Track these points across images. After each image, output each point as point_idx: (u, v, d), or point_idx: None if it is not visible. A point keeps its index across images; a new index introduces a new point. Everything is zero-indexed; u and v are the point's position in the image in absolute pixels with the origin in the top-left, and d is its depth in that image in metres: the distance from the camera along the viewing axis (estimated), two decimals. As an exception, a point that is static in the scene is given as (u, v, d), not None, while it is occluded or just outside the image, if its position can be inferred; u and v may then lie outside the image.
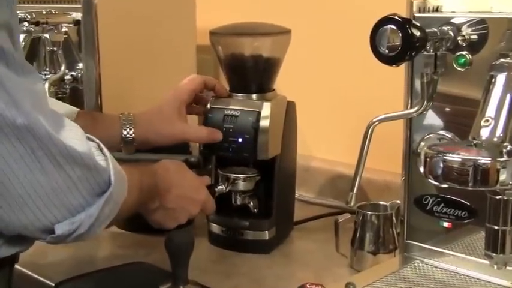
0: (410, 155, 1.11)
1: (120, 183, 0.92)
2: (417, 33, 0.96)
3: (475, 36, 1.01)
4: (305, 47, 1.54)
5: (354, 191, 1.07)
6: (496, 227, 0.94)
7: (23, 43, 1.50)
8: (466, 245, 1.08)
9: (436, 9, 1.07)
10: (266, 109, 1.26)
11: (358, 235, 1.20)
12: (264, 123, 1.25)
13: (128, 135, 1.23)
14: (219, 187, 1.26)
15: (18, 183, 0.83)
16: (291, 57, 1.33)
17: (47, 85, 1.47)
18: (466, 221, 1.07)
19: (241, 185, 1.27)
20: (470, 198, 1.05)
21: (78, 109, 1.26)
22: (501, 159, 0.87)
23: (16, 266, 0.98)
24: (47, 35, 1.51)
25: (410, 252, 1.14)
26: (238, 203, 1.29)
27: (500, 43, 0.99)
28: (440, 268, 1.10)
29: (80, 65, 1.50)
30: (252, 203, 1.29)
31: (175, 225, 1.13)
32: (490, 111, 0.92)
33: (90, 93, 1.48)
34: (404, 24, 0.96)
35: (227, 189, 1.27)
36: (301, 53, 1.52)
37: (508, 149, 0.89)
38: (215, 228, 1.32)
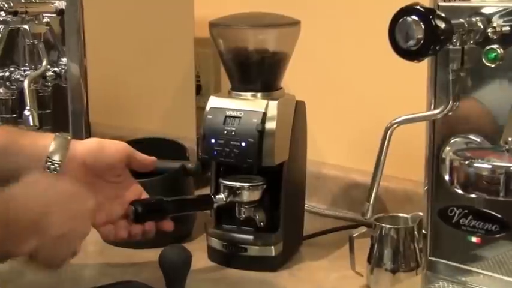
0: (434, 161, 1.11)
1: None
2: (442, 24, 0.96)
3: (508, 28, 1.01)
4: (316, 40, 1.54)
5: (371, 202, 1.07)
6: (530, 243, 0.94)
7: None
8: (497, 263, 1.08)
9: (463, -2, 1.07)
10: (272, 109, 1.26)
11: (375, 251, 1.20)
12: (270, 125, 1.25)
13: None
14: (218, 197, 1.26)
15: None
16: (300, 51, 1.34)
17: (26, 82, 1.47)
18: (497, 236, 1.06)
19: (246, 195, 1.27)
20: (502, 210, 1.05)
21: None
22: (536, 166, 0.87)
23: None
24: (26, 26, 1.51)
25: (434, 270, 1.14)
26: (243, 215, 1.29)
27: (535, 36, 1.00)
28: (468, 288, 1.10)
29: (64, 60, 1.51)
30: (258, 216, 1.29)
31: (71, 256, 1.02)
32: (525, 112, 0.92)
33: (75, 91, 1.48)
34: (427, 14, 0.96)
35: (228, 200, 1.27)
36: (312, 47, 1.52)
37: (544, 154, 0.89)
38: (215, 242, 1.32)
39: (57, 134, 1.17)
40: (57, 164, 1.13)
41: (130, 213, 1.16)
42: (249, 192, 1.27)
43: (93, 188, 1.15)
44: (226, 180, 1.28)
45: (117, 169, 1.18)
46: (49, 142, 1.15)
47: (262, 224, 1.29)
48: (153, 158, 1.22)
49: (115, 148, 1.18)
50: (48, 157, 1.13)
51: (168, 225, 1.20)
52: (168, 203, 1.20)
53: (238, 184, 1.27)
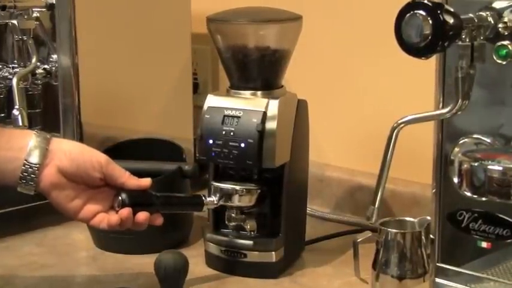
0: (442, 162, 1.12)
1: None
2: (450, 19, 0.97)
3: (519, 24, 1.02)
4: (318, 36, 1.55)
5: (376, 205, 1.07)
6: (543, 248, 0.94)
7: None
8: (509, 269, 1.08)
9: (473, -8, 1.07)
10: (273, 109, 1.26)
11: (381, 257, 1.20)
12: (271, 125, 1.26)
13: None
14: (209, 199, 1.26)
15: None
16: (302, 48, 1.34)
17: (15, 80, 1.47)
18: (509, 241, 1.07)
19: (237, 200, 1.27)
20: (514, 214, 1.05)
21: None
22: (549, 167, 0.88)
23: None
24: (15, 22, 1.51)
25: (442, 277, 1.14)
26: (233, 222, 1.28)
27: (548, 32, 1.00)
28: (477, 296, 1.10)
29: (54, 56, 1.51)
30: (248, 225, 1.28)
31: None
32: (537, 111, 0.93)
33: (66, 90, 1.48)
34: (435, 9, 0.96)
35: (219, 203, 1.26)
36: (314, 43, 1.52)
37: (558, 155, 0.90)
38: (213, 248, 1.33)
39: (35, 132, 1.16)
40: (35, 167, 1.13)
41: (116, 203, 1.15)
42: (240, 197, 1.26)
43: (73, 189, 1.14)
44: (218, 182, 1.28)
45: (95, 181, 1.17)
46: (27, 142, 1.14)
47: (253, 233, 1.29)
48: (146, 180, 1.19)
49: (90, 160, 1.16)
50: (26, 159, 1.13)
51: (158, 219, 1.18)
52: (157, 197, 1.19)
53: (230, 187, 1.27)
